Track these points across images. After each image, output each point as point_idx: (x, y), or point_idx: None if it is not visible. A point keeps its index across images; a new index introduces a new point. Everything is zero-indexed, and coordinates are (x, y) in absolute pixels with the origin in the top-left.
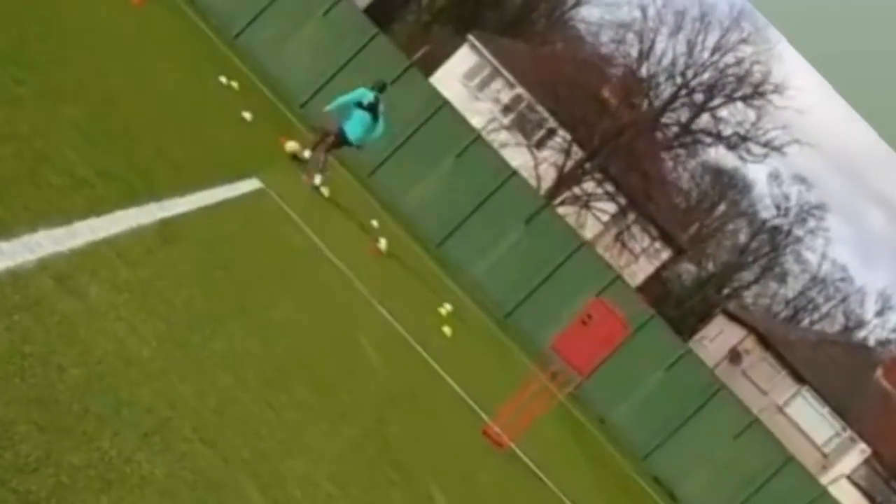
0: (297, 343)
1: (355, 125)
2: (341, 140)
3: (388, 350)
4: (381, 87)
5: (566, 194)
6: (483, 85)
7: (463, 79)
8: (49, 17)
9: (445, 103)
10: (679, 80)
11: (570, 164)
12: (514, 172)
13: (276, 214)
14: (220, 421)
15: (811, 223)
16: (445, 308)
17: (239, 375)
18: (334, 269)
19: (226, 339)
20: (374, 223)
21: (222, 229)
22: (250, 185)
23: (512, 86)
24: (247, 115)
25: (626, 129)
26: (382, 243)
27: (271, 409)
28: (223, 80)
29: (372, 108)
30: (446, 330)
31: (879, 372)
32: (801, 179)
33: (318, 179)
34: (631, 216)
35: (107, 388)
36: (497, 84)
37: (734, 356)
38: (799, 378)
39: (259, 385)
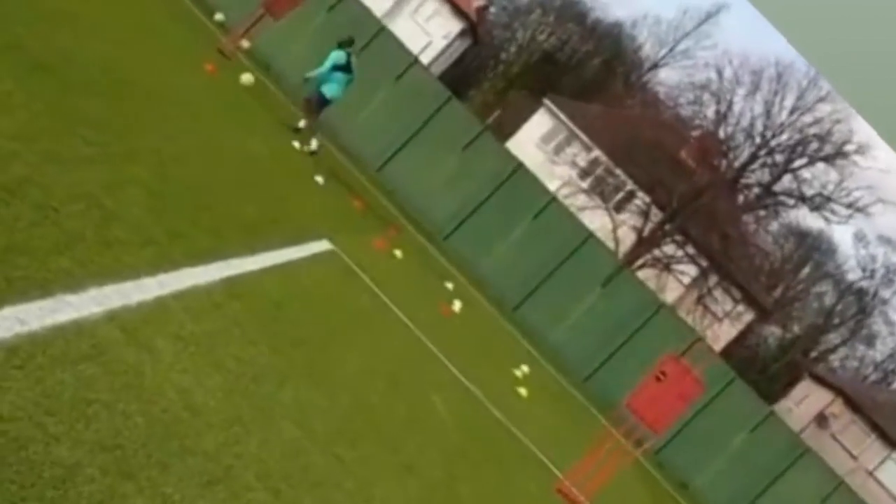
0: (365, 398)
1: (333, 86)
2: (322, 102)
3: (460, 408)
4: (348, 43)
5: (646, 257)
6: (560, 149)
7: (540, 143)
8: (122, 81)
9: (520, 166)
10: (758, 140)
11: (649, 226)
12: (591, 235)
13: (346, 274)
14: (285, 471)
15: None
16: (521, 370)
17: (305, 427)
18: (405, 328)
19: (292, 392)
20: (448, 285)
21: (291, 287)
22: (321, 246)
23: (589, 149)
24: (319, 179)
25: (706, 190)
26: (456, 305)
27: (337, 461)
28: (296, 144)
29: (347, 67)
30: (522, 391)
31: None
32: (886, 240)
33: (314, 143)
34: (712, 278)
35: (171, 436)
36: (574, 147)
37: (822, 420)
38: (890, 442)
39: (326, 437)
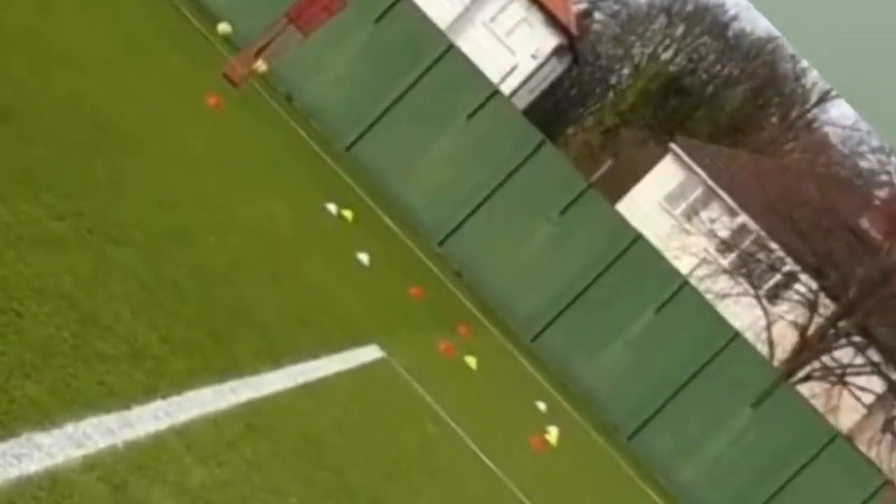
0: None
1: None
2: None
3: None
4: None
5: (812, 366)
6: (692, 212)
7: (665, 203)
8: (99, 127)
9: (639, 237)
10: None
11: (817, 322)
12: (737, 334)
13: (403, 394)
14: None
15: None
16: None
17: None
18: (486, 471)
19: None
20: (541, 406)
21: (329, 415)
22: (368, 353)
23: (733, 213)
24: (363, 258)
25: None
26: (553, 434)
27: None
28: (332, 208)
29: None
30: None
31: None
32: None
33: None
34: None
35: None
36: (712, 210)
37: None
38: None
39: None
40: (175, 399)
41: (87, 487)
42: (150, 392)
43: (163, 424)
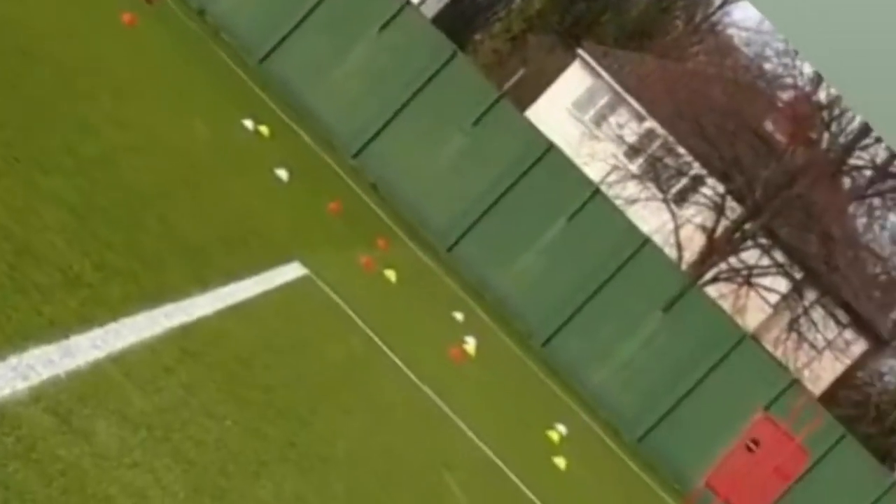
0: (363, 486)
1: None
2: None
3: (481, 491)
4: None
5: (719, 267)
6: (601, 118)
7: (573, 109)
8: (17, 51)
9: (551, 148)
10: None
11: (723, 225)
12: (648, 241)
13: (327, 310)
14: None
15: None
16: (557, 431)
17: None
18: (406, 381)
19: (272, 486)
20: (458, 316)
21: (258, 335)
22: (291, 271)
23: (641, 118)
24: (282, 174)
25: (801, 174)
26: (470, 344)
27: None
28: (248, 124)
29: None
30: (559, 462)
31: None
32: None
33: None
34: (810, 295)
35: None
36: (620, 116)
37: None
38: None
39: None
40: (112, 326)
41: (33, 419)
42: (87, 320)
43: (101, 353)
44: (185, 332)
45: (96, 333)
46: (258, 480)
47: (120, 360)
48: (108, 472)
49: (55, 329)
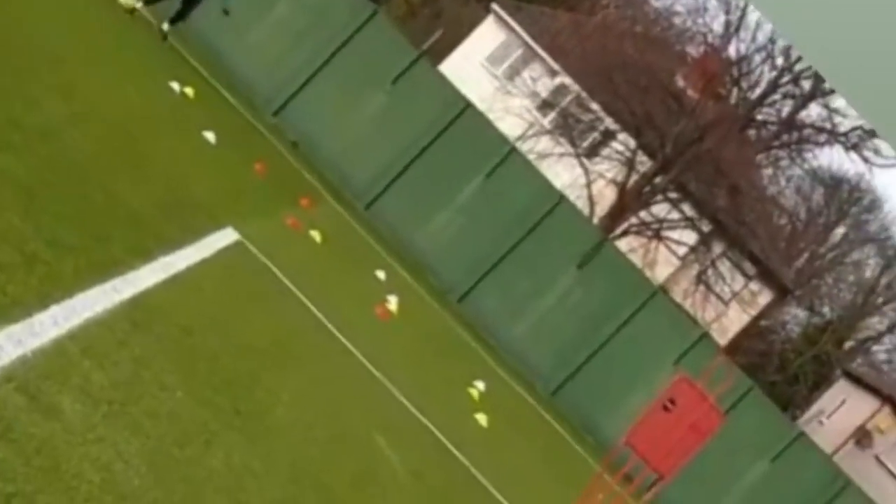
0: (305, 452)
1: None
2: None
3: (411, 450)
4: None
5: (630, 221)
6: (514, 72)
7: (487, 64)
8: None
9: (468, 107)
10: (780, 61)
11: (634, 179)
12: (563, 198)
13: (259, 275)
14: None
15: None
16: (477, 388)
17: (242, 501)
18: (336, 343)
19: (222, 455)
20: (380, 275)
21: (199, 304)
22: (225, 237)
23: (553, 73)
24: (209, 136)
25: (710, 129)
26: (393, 302)
27: None
28: (175, 86)
29: None
30: (480, 418)
31: None
32: None
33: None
34: (718, 248)
35: None
36: (533, 70)
37: (863, 436)
38: None
39: None
40: (68, 303)
41: (7, 399)
42: (45, 297)
43: (62, 330)
44: (134, 305)
45: (55, 311)
46: (209, 450)
47: (78, 337)
48: (76, 448)
49: (19, 308)
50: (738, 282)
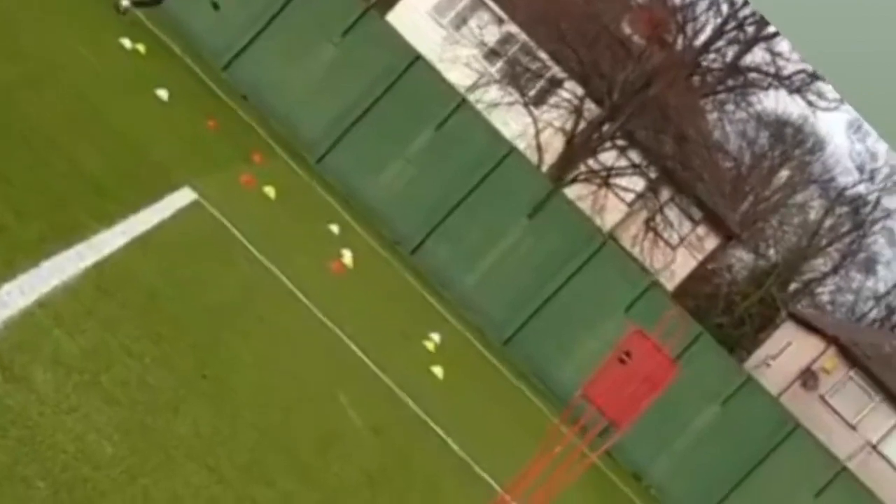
0: (270, 414)
1: None
2: None
3: (371, 406)
4: None
5: (578, 169)
6: (461, 21)
7: (433, 13)
8: None
9: (418, 58)
10: (725, 7)
11: (581, 127)
12: (513, 149)
13: (216, 233)
14: None
15: None
16: (432, 340)
17: (212, 466)
18: (295, 301)
19: (190, 421)
20: (334, 229)
21: (160, 265)
22: (182, 197)
23: (500, 21)
24: (162, 94)
25: (656, 76)
26: (347, 256)
27: None
28: (126, 42)
29: None
30: (436, 371)
31: None
32: None
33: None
34: (664, 194)
35: (78, 502)
36: (480, 19)
37: (808, 378)
38: None
39: (236, 476)
40: (35, 271)
41: None
42: (12, 266)
43: (30, 299)
44: (98, 271)
45: (22, 279)
46: (178, 417)
47: (46, 305)
48: (50, 419)
49: None
50: (686, 227)
